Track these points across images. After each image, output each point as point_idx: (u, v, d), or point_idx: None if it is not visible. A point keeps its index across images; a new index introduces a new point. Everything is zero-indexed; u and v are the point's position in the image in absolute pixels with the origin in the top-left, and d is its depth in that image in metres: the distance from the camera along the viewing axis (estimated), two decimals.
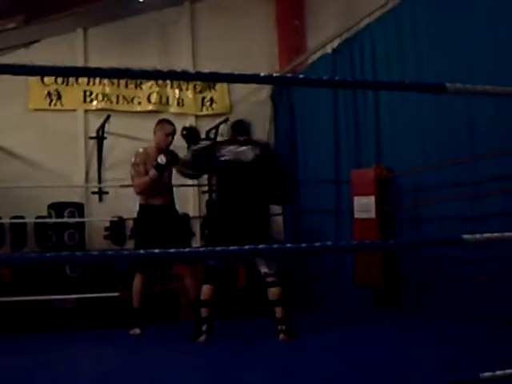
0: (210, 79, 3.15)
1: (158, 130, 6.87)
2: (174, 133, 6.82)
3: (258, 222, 6.04)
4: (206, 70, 2.49)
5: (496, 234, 2.66)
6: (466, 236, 2.59)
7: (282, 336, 5.73)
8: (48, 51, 9.14)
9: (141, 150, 6.84)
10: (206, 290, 5.94)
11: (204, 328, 5.80)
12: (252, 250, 2.48)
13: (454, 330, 5.57)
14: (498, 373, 2.63)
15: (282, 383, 4.07)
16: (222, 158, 6.02)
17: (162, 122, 7.02)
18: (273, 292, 5.91)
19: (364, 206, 7.53)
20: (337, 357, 4.80)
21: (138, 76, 2.67)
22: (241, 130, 6.28)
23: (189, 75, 2.61)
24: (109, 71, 2.37)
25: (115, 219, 9.13)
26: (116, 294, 7.74)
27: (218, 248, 2.38)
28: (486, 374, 2.62)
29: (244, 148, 6.07)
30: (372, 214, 7.46)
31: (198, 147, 6.46)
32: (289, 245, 2.23)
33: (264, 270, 5.91)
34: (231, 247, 2.56)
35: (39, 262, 2.19)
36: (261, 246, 2.45)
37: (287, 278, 8.89)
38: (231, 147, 6.08)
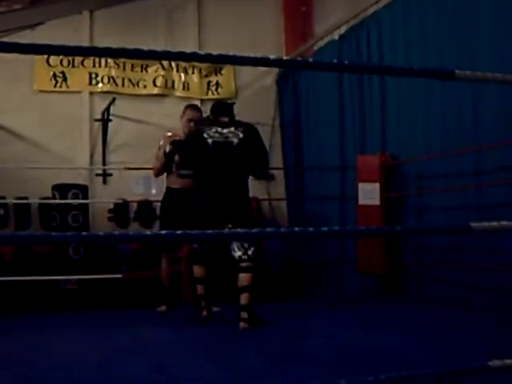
0: (220, 61, 3.14)
1: (182, 115, 6.89)
2: (196, 118, 6.73)
3: (243, 204, 5.90)
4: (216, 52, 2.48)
5: (504, 223, 2.65)
6: (473, 224, 2.59)
7: (242, 324, 5.56)
8: (53, 33, 9.13)
9: (168, 133, 6.87)
10: (197, 269, 5.97)
11: (203, 304, 5.86)
12: (260, 234, 2.47)
13: (457, 318, 5.58)
14: (508, 361, 2.61)
15: (281, 368, 4.08)
16: (210, 140, 5.88)
17: (185, 107, 7.03)
18: (243, 278, 5.69)
19: (368, 192, 7.54)
20: (338, 343, 4.80)
21: (147, 56, 2.66)
22: (223, 111, 6.09)
23: (199, 56, 2.61)
24: (118, 51, 2.37)
25: (119, 201, 9.16)
26: (119, 275, 7.77)
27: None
28: (496, 363, 2.60)
29: (228, 130, 5.92)
30: (376, 201, 7.47)
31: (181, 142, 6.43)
32: (296, 228, 2.23)
33: (238, 254, 5.73)
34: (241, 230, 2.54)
35: (44, 240, 2.19)
36: (269, 230, 2.45)
37: (295, 265, 8.94)
38: (218, 128, 5.93)
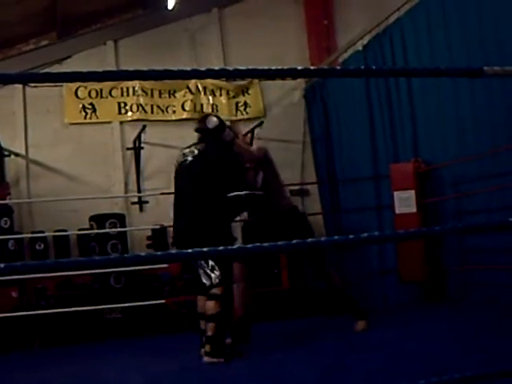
0: (249, 75, 3.15)
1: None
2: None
3: (204, 226, 5.29)
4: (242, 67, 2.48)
5: None
6: None
7: (206, 358, 5.10)
8: (80, 65, 9.25)
9: None
10: (200, 301, 5.46)
11: (203, 340, 5.31)
12: (298, 245, 2.45)
13: (502, 322, 5.47)
14: None
15: (330, 381, 4.09)
16: (178, 166, 5.58)
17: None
18: (209, 306, 5.17)
19: (404, 200, 7.48)
20: (387, 354, 4.76)
21: (176, 76, 2.68)
22: (197, 130, 5.63)
23: (228, 72, 2.62)
24: (146, 73, 2.38)
25: (157, 227, 9.16)
26: (162, 301, 7.75)
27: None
28: None
29: (189, 149, 5.57)
30: (413, 209, 7.42)
31: None
32: (336, 237, 2.21)
33: (205, 281, 5.23)
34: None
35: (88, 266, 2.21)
36: (309, 240, 2.42)
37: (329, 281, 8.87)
38: (185, 150, 5.60)
